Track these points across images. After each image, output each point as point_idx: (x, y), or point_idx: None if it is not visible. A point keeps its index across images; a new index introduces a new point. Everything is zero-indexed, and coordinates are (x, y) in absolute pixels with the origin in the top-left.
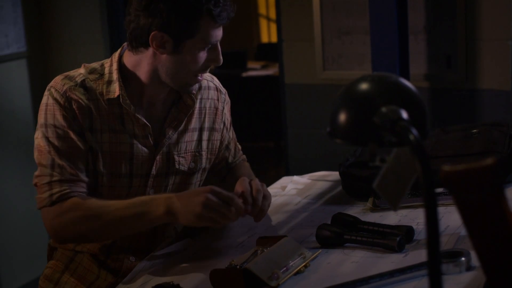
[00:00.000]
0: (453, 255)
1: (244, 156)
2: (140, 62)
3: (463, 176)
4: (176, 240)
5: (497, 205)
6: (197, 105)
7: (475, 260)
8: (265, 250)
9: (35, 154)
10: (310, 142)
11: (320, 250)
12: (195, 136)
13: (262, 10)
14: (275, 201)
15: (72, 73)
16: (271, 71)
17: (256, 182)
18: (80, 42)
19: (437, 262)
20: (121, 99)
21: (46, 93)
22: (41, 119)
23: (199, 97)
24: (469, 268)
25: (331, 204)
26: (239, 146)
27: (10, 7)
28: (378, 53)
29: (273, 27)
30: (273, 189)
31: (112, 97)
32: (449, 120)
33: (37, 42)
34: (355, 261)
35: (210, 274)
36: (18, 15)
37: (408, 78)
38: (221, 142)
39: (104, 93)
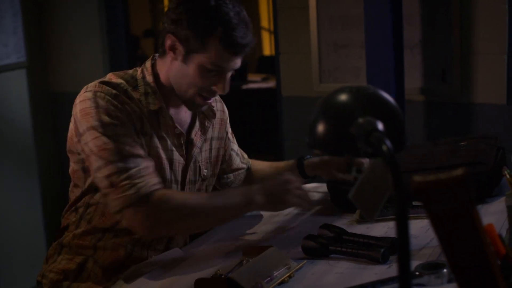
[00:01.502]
0: (435, 266)
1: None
2: (164, 69)
3: (433, 187)
4: (165, 249)
5: (467, 216)
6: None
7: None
8: (250, 260)
9: (93, 158)
10: (306, 154)
11: (305, 261)
12: (213, 145)
13: (264, 23)
14: (265, 211)
15: (109, 81)
16: (271, 83)
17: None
18: (80, 53)
19: (407, 271)
20: (162, 112)
21: (90, 97)
22: (92, 121)
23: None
24: (451, 280)
25: (319, 215)
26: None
27: (10, 17)
28: (373, 67)
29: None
30: None
31: (153, 109)
32: (444, 134)
33: (37, 52)
34: (339, 272)
35: (195, 283)
36: (18, 25)
37: (403, 92)
38: (225, 150)
39: (145, 104)
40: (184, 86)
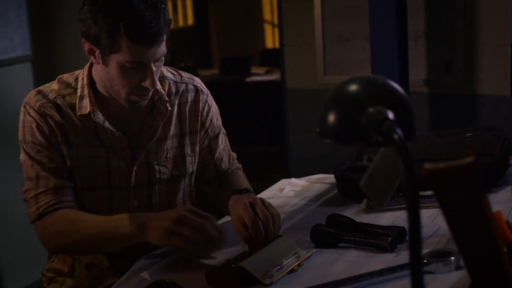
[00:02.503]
0: (443, 254)
1: (239, 165)
2: (95, 72)
3: (444, 175)
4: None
5: (477, 203)
6: (175, 110)
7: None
8: (260, 249)
9: (23, 169)
10: (311, 146)
11: (314, 250)
12: (176, 142)
13: (267, 16)
14: (272, 202)
15: (45, 88)
16: (275, 76)
17: (261, 209)
18: None
19: (418, 252)
20: (92, 115)
21: (22, 109)
22: (20, 135)
23: (176, 102)
24: (458, 267)
25: (327, 206)
26: (234, 155)
27: (15, 10)
28: (377, 58)
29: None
30: (271, 191)
31: (84, 113)
32: (448, 126)
33: (42, 45)
34: (347, 260)
35: (205, 272)
36: (23, 19)
37: (407, 83)
38: (201, 145)
39: (77, 109)
40: (114, 88)
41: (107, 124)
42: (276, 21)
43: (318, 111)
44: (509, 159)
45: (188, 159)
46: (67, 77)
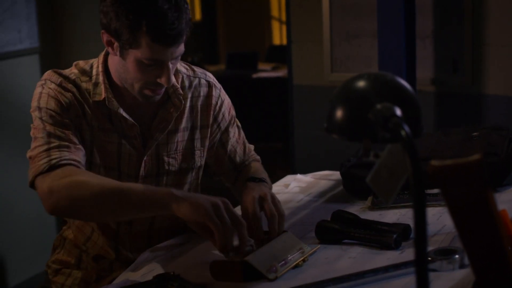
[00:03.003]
0: (447, 252)
1: (257, 157)
2: (111, 62)
3: (450, 171)
4: (178, 233)
5: (483, 200)
6: (188, 104)
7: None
8: (265, 244)
9: (31, 133)
10: (317, 143)
11: (319, 246)
12: (187, 135)
13: (274, 12)
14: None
15: (64, 71)
16: (282, 72)
17: (269, 206)
18: (92, 38)
19: (423, 253)
20: (107, 101)
21: (39, 84)
22: (34, 104)
23: (189, 95)
24: (462, 265)
25: (332, 202)
26: (251, 147)
27: (23, 2)
28: (385, 56)
29: (285, 29)
30: (276, 186)
31: (98, 99)
32: (454, 125)
33: (50, 37)
34: (352, 256)
35: (210, 265)
36: (31, 11)
37: (414, 82)
38: (212, 139)
39: (91, 95)
40: (129, 81)
41: (121, 111)
42: (283, 17)
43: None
44: None
45: (197, 153)
46: (83, 64)
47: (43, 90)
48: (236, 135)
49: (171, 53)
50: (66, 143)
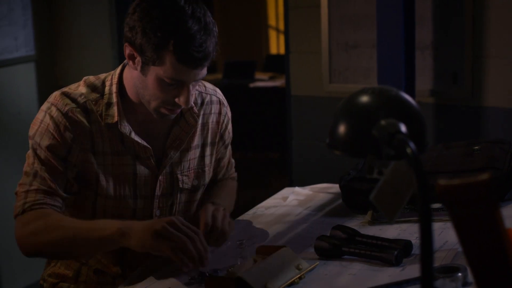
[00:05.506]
0: (450, 270)
1: (235, 174)
2: (129, 77)
3: (459, 191)
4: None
5: (491, 221)
6: (200, 121)
7: (471, 276)
8: (262, 260)
9: (26, 155)
10: (314, 154)
11: (318, 263)
12: (198, 152)
13: (271, 21)
14: (276, 211)
15: (72, 91)
16: (279, 82)
17: (218, 218)
18: (89, 47)
19: (430, 270)
20: (119, 125)
21: (44, 108)
22: (31, 131)
23: (201, 113)
24: (465, 283)
25: (331, 216)
26: (233, 162)
27: (20, 10)
28: (384, 67)
29: (282, 38)
30: (274, 199)
31: (111, 122)
32: (454, 137)
33: (46, 45)
34: (352, 273)
35: (205, 281)
36: (28, 18)
37: (413, 93)
38: (218, 153)
39: (104, 117)
40: (146, 97)
41: (133, 135)
42: (280, 26)
43: (322, 119)
44: None
45: (206, 169)
46: (93, 79)
47: (44, 119)
48: (229, 152)
49: (194, 75)
50: (47, 187)
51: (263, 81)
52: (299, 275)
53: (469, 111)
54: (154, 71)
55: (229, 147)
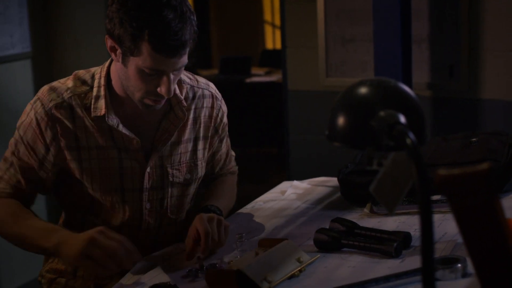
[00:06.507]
0: (449, 261)
1: (235, 169)
2: (114, 69)
3: (458, 181)
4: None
5: (491, 210)
6: (191, 115)
7: (471, 267)
8: (263, 253)
9: (9, 143)
10: (312, 149)
11: (319, 255)
12: (190, 146)
13: (267, 16)
14: (274, 205)
15: (60, 85)
16: (275, 77)
17: (211, 227)
18: (85, 43)
19: (430, 261)
20: (106, 117)
21: (32, 102)
22: (19, 122)
23: (193, 107)
24: (464, 274)
25: (329, 209)
26: (232, 156)
27: (16, 7)
28: (381, 61)
29: (278, 33)
30: (272, 193)
31: (98, 114)
32: (451, 129)
33: (42, 42)
34: (351, 265)
35: (205, 274)
36: (24, 16)
37: (410, 87)
38: (211, 150)
39: (92, 110)
40: (130, 89)
41: (121, 127)
42: (276, 22)
43: (319, 113)
44: None
45: (199, 163)
46: (83, 73)
47: (30, 113)
48: (226, 145)
49: (173, 64)
50: (16, 181)
51: (259, 76)
52: (299, 268)
53: (466, 103)
54: (134, 62)
55: (227, 140)
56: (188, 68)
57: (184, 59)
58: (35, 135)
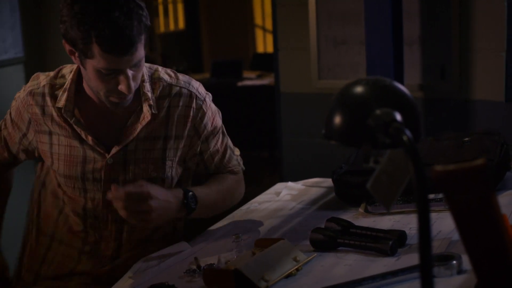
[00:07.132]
0: (445, 258)
1: (237, 168)
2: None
3: (454, 176)
4: (172, 242)
5: (487, 205)
6: (163, 113)
7: (466, 264)
8: (260, 252)
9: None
10: (305, 151)
11: (315, 254)
12: (159, 144)
13: (258, 21)
14: (269, 206)
15: (45, 74)
16: (267, 80)
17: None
18: None
19: (429, 257)
20: (63, 110)
21: (21, 91)
22: (13, 102)
23: (166, 104)
24: (460, 271)
25: (324, 210)
26: (233, 156)
27: (8, 12)
28: (373, 63)
29: (269, 37)
30: (267, 194)
31: (59, 106)
32: (443, 130)
33: (35, 47)
34: (348, 264)
35: (203, 274)
36: (16, 20)
37: None
38: (192, 150)
39: (57, 101)
40: (93, 89)
41: (74, 121)
42: (267, 25)
43: (312, 115)
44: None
45: (168, 163)
46: (68, 67)
47: (18, 95)
48: (218, 145)
49: (127, 61)
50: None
51: (251, 79)
52: (296, 267)
53: (457, 104)
54: (90, 64)
55: (218, 140)
56: (180, 73)
57: (138, 55)
58: (19, 115)
